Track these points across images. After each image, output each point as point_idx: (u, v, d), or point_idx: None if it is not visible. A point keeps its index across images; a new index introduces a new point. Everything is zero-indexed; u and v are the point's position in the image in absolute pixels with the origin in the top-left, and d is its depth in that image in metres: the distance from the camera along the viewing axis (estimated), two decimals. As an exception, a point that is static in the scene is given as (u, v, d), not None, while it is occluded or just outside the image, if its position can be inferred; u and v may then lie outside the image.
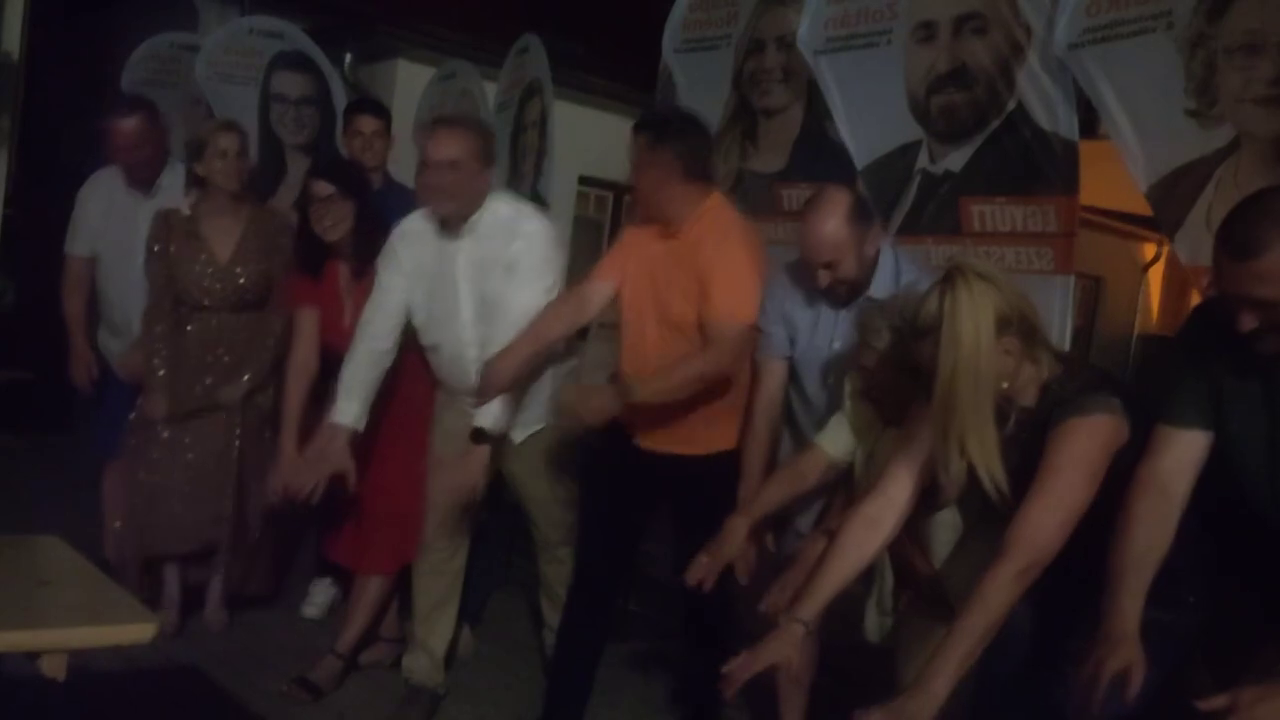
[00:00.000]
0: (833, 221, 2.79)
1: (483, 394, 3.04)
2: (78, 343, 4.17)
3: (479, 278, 3.17)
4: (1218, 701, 1.83)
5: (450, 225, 3.21)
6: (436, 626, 3.38)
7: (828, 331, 2.97)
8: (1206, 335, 2.15)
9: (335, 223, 3.39)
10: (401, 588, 3.60)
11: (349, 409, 3.21)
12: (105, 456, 4.08)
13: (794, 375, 3.07)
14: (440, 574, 3.36)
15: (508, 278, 3.13)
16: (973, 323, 2.10)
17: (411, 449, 3.36)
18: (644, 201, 3.07)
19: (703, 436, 3.10)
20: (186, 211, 3.72)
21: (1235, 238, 1.93)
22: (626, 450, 3.14)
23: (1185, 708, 1.87)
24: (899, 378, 2.52)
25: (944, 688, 2.02)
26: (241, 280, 3.71)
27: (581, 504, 3.34)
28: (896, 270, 2.93)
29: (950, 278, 2.16)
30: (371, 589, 3.49)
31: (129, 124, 3.96)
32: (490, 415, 3.09)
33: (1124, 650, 1.98)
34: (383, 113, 4.45)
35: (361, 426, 3.24)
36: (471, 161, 3.13)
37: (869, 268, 2.88)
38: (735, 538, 2.80)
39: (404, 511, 3.39)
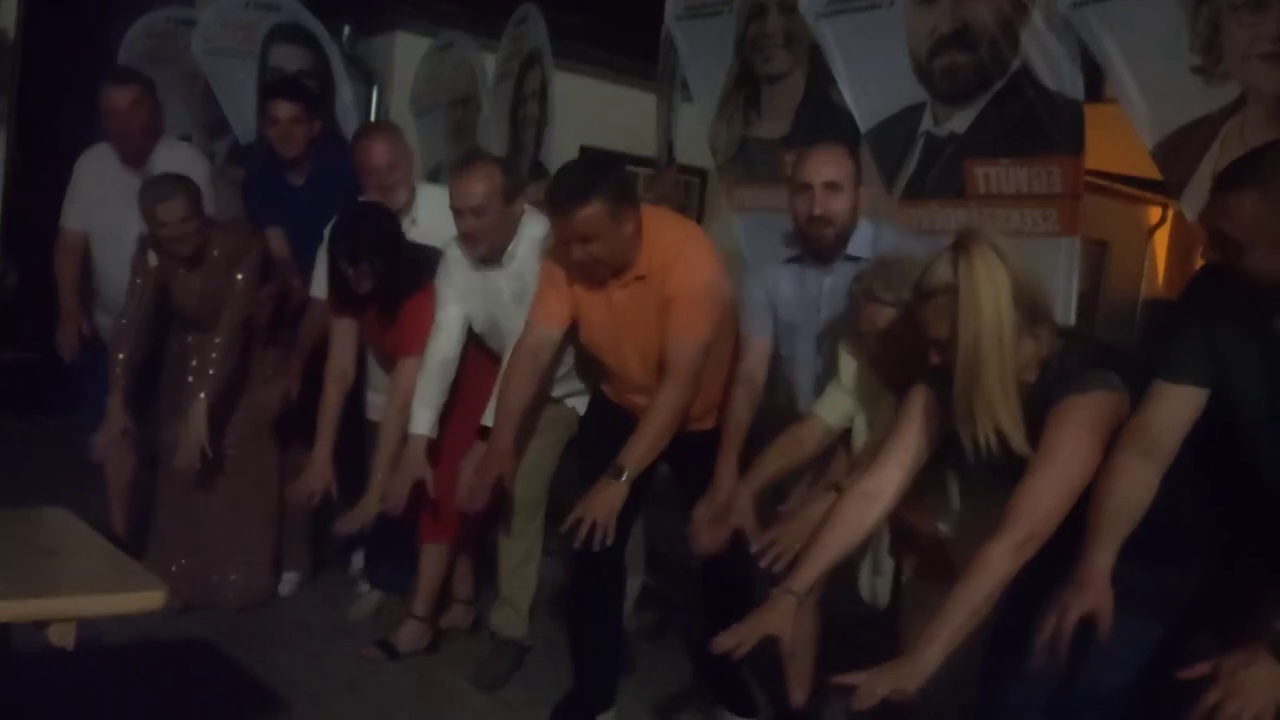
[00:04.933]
0: (840, 150, 2.95)
1: (482, 475, 3.12)
2: (68, 306, 4.13)
3: (525, 300, 3.22)
4: (1199, 669, 1.82)
5: (490, 258, 3.30)
6: (519, 582, 3.52)
7: (813, 299, 2.98)
8: (1209, 293, 2.14)
9: (365, 280, 3.40)
10: (475, 552, 3.77)
11: (425, 419, 3.37)
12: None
13: (785, 345, 3.08)
14: (521, 536, 3.49)
15: None
16: (991, 289, 2.09)
17: (475, 429, 3.38)
18: (607, 266, 2.93)
19: (709, 415, 3.13)
20: (154, 262, 3.69)
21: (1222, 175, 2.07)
22: (626, 420, 3.14)
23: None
24: (907, 346, 2.51)
25: (935, 657, 2.01)
26: (204, 297, 3.72)
27: (582, 473, 3.34)
28: (875, 234, 2.95)
29: (964, 244, 2.13)
30: (433, 556, 3.62)
31: (119, 94, 3.93)
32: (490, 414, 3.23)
33: (1091, 594, 1.97)
34: (300, 95, 4.19)
35: (435, 434, 3.39)
36: (495, 200, 3.19)
37: (853, 220, 2.92)
38: (741, 508, 2.81)
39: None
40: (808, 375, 3.06)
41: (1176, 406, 2.13)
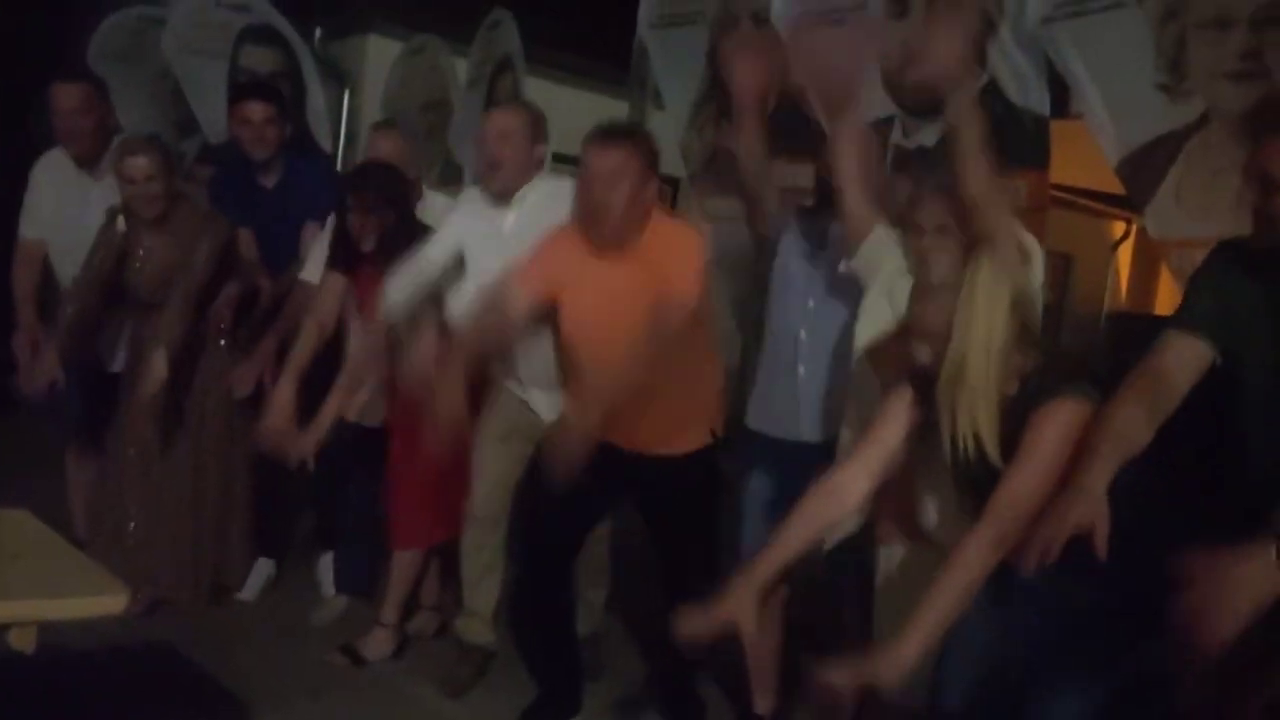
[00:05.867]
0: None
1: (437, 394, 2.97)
2: (26, 319, 3.99)
3: (523, 246, 3.14)
4: (1191, 564, 1.82)
5: (501, 195, 3.30)
6: (483, 592, 3.50)
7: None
8: (1229, 261, 2.20)
9: (370, 233, 3.41)
10: (442, 559, 3.75)
11: (394, 308, 3.30)
12: (61, 440, 4.06)
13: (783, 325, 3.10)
14: (483, 547, 3.47)
15: None
16: (991, 297, 2.13)
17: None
18: (612, 226, 2.86)
19: (676, 438, 3.04)
20: (122, 228, 3.66)
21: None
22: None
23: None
24: (899, 349, 2.52)
25: (915, 650, 2.03)
26: (165, 269, 3.66)
27: (537, 488, 3.31)
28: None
29: (977, 249, 2.17)
30: (405, 563, 3.62)
31: (66, 93, 3.87)
32: (544, 405, 3.27)
33: (1088, 503, 1.95)
34: (273, 96, 4.15)
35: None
36: (522, 134, 3.26)
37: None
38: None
39: (436, 494, 3.50)
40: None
41: (1185, 356, 2.17)
